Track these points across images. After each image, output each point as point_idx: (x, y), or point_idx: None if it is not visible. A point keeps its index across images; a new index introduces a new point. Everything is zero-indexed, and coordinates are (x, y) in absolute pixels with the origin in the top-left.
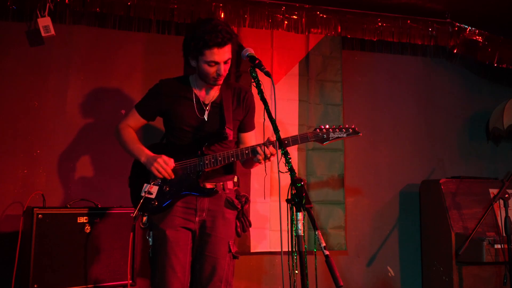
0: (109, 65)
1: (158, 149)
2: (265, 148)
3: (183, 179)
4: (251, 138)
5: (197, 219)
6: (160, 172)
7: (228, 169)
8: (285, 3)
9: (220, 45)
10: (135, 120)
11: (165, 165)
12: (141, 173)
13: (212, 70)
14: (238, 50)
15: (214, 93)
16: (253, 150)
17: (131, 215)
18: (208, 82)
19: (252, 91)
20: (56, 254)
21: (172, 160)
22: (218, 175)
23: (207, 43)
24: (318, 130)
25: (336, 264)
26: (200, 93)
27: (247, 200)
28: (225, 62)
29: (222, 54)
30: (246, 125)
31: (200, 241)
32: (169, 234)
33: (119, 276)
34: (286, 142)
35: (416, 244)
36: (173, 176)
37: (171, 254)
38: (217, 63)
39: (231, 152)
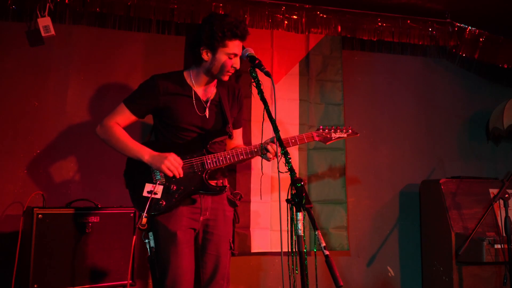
0: (109, 65)
1: (155, 147)
2: (274, 146)
3: (191, 178)
4: (239, 135)
5: (201, 218)
6: (171, 171)
7: (227, 167)
8: (285, 3)
9: (243, 38)
10: (125, 117)
11: (176, 163)
12: (139, 173)
13: (230, 63)
14: None
15: (212, 90)
16: (264, 148)
17: (131, 215)
18: (219, 75)
19: (252, 91)
20: (56, 254)
21: (179, 158)
22: (220, 173)
23: (235, 34)
24: (321, 130)
25: (336, 264)
26: (199, 90)
27: (241, 197)
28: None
29: (240, 48)
30: (237, 122)
31: (202, 240)
32: (179, 235)
33: (119, 276)
34: (293, 141)
35: (416, 244)
36: (182, 175)
37: (182, 256)
38: (236, 55)
39: (240, 150)
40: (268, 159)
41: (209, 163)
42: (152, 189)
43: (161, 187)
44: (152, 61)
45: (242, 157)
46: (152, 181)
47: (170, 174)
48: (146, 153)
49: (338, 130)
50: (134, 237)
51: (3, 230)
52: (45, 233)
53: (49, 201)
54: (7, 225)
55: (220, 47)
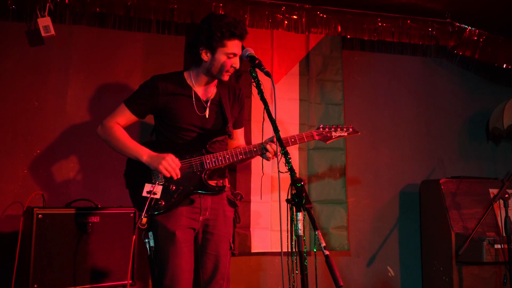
0: (109, 65)
1: (155, 147)
2: (273, 145)
3: (190, 177)
4: (241, 135)
5: (201, 218)
6: (168, 171)
7: (227, 167)
8: (285, 3)
9: (242, 37)
10: (125, 117)
11: (173, 164)
12: (139, 173)
13: (229, 62)
14: None
15: (212, 90)
16: (263, 147)
17: (131, 215)
18: (218, 75)
19: (253, 91)
20: (56, 254)
21: (178, 159)
22: (220, 173)
23: (233, 33)
24: (321, 129)
25: (336, 264)
26: (199, 90)
27: (242, 198)
28: (238, 57)
29: (239, 48)
30: (238, 122)
31: (202, 239)
32: (178, 235)
33: (119, 276)
34: (292, 140)
35: (416, 244)
36: (180, 176)
37: (181, 255)
38: (235, 55)
39: (239, 150)
40: (267, 159)
41: (208, 162)
42: (151, 189)
43: (160, 187)
44: (152, 61)
45: (241, 156)
46: (151, 181)
47: (168, 175)
48: (144, 154)
49: (339, 129)
50: (134, 236)
51: (3, 230)
52: (45, 233)
53: (49, 201)
54: (7, 225)
55: (219, 47)
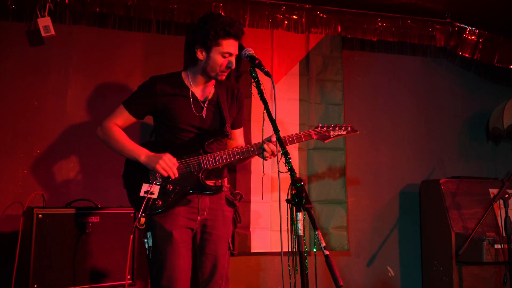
0: (109, 65)
1: (153, 147)
2: (271, 145)
3: (187, 177)
4: (240, 135)
5: (199, 218)
6: (166, 171)
7: (225, 166)
8: (285, 3)
9: (238, 37)
10: (124, 118)
11: (171, 163)
12: (137, 173)
13: (224, 62)
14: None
15: (210, 90)
16: (260, 147)
17: (131, 215)
18: (214, 75)
19: (253, 91)
20: (56, 254)
21: (175, 159)
22: (218, 173)
23: (228, 33)
24: (319, 128)
25: (336, 264)
26: (196, 90)
27: (241, 197)
28: (234, 57)
29: (236, 47)
30: (237, 122)
31: (200, 239)
32: (175, 235)
33: (119, 276)
34: (290, 139)
35: (416, 244)
36: (177, 175)
37: (178, 255)
38: (230, 54)
39: (237, 149)
40: (265, 158)
41: (206, 162)
42: (149, 189)
43: (158, 187)
44: (152, 61)
45: (238, 156)
46: (149, 181)
47: (165, 174)
48: (142, 154)
49: (337, 128)
50: (131, 236)
51: (3, 230)
52: (45, 233)
53: (49, 201)
54: (7, 225)
55: (214, 46)
